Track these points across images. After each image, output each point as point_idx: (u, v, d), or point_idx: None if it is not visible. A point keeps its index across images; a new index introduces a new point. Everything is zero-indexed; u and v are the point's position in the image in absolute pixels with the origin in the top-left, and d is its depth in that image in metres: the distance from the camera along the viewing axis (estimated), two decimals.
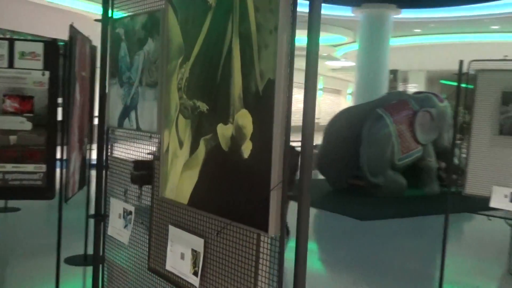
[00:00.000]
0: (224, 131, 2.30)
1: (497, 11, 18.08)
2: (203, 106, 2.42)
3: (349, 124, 12.89)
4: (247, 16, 2.18)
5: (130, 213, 3.07)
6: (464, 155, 5.65)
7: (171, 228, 2.74)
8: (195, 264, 2.57)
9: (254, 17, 2.15)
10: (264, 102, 2.11)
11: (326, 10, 17.93)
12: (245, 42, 2.20)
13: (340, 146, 12.71)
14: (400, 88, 28.75)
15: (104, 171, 3.35)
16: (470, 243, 8.79)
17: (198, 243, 2.55)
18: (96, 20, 3.29)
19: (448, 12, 18.98)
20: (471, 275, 6.07)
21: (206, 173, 2.43)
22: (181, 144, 2.58)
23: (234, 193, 2.27)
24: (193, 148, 2.50)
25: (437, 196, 12.26)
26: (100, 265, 3.41)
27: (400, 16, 18.23)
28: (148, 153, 2.96)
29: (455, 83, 5.80)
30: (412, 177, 12.39)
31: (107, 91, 3.25)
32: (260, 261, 2.26)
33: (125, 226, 3.11)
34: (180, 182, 2.58)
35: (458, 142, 7.87)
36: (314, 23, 2.01)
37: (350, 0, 17.87)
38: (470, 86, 5.74)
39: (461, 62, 5.47)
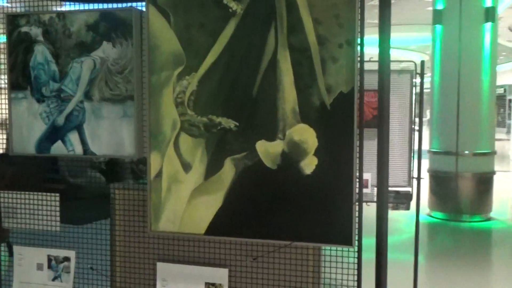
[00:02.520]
0: (268, 148, 2.18)
1: None
2: (228, 123, 2.21)
3: None
4: (301, 28, 2.14)
5: (66, 259, 2.46)
6: None
7: (162, 265, 2.39)
8: None
9: (313, 29, 2.12)
10: (335, 116, 2.11)
11: None
12: (299, 55, 2.15)
13: None
14: None
15: None
16: None
17: (218, 274, 2.32)
18: None
19: None
20: None
21: (238, 196, 2.23)
22: (186, 167, 2.28)
23: (292, 212, 2.18)
24: (212, 170, 2.26)
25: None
26: None
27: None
28: None
29: None
30: (107, 173, 12.28)
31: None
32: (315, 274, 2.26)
33: (56, 278, 2.47)
34: (189, 210, 2.29)
35: None
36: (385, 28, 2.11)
37: None
38: None
39: None
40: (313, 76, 2.14)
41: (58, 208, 2.51)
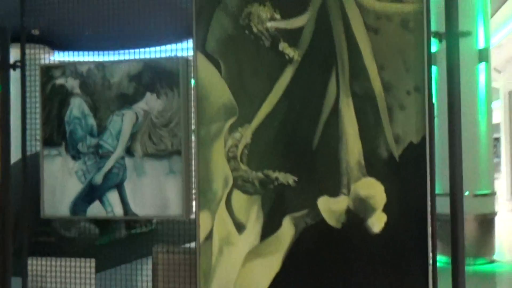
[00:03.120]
0: (331, 205, 1.98)
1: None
2: (286, 178, 2.01)
3: (35, 168, 11.44)
4: (365, 75, 2.00)
5: None
6: None
7: None
8: None
9: (378, 76, 1.95)
10: (405, 168, 1.92)
11: None
12: (363, 103, 1.98)
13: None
14: None
15: None
16: None
17: None
18: None
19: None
20: None
21: (298, 258, 2.02)
22: (239, 227, 2.07)
23: (359, 276, 1.97)
24: (269, 230, 2.06)
25: (125, 239, 12.02)
26: None
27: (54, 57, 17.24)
28: None
29: None
30: (98, 223, 11.80)
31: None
32: None
33: None
34: (243, 275, 2.07)
35: None
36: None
37: None
38: None
39: None
40: (380, 125, 1.96)
41: (93, 275, 2.24)
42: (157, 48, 2.70)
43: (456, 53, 1.99)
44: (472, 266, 8.35)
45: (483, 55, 8.84)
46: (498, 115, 11.72)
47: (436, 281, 1.98)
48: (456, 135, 2.00)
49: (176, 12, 2.39)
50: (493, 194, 9.19)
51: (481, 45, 8.90)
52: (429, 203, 1.95)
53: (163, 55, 2.52)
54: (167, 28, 2.51)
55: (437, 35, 1.97)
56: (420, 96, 1.96)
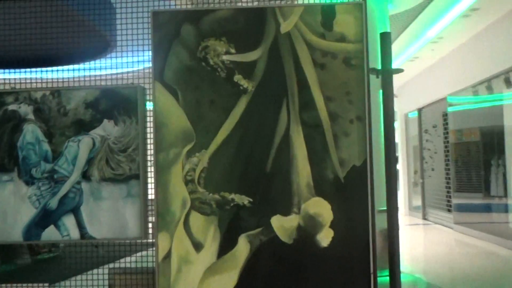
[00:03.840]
0: (284, 223, 2.18)
1: None
2: (242, 199, 2.19)
3: None
4: (313, 105, 2.22)
5: None
6: None
7: None
8: None
9: (325, 106, 2.19)
10: (349, 188, 2.17)
11: None
12: (312, 131, 2.22)
13: None
14: None
15: None
16: None
17: None
18: None
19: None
20: None
21: (254, 273, 2.19)
22: (198, 246, 2.21)
23: (310, 286, 2.16)
24: (225, 248, 2.22)
25: (29, 266, 11.46)
26: None
27: None
28: None
29: None
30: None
31: None
32: None
33: None
34: None
35: None
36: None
37: None
38: None
39: None
40: (326, 150, 2.19)
41: None
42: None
43: (390, 87, 2.26)
44: (379, 278, 8.87)
45: None
46: (396, 136, 12.67)
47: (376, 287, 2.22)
48: (391, 159, 2.26)
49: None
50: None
51: None
52: (370, 218, 2.19)
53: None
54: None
55: (374, 71, 2.23)
56: (362, 124, 2.21)
